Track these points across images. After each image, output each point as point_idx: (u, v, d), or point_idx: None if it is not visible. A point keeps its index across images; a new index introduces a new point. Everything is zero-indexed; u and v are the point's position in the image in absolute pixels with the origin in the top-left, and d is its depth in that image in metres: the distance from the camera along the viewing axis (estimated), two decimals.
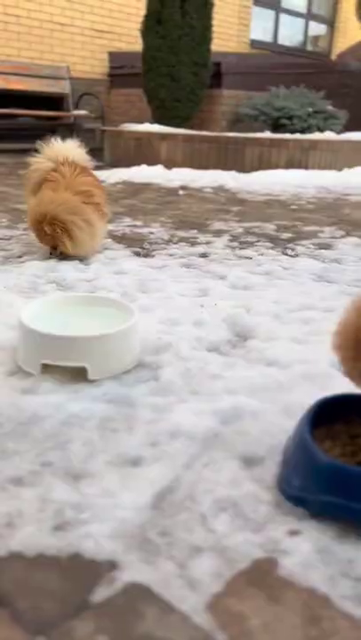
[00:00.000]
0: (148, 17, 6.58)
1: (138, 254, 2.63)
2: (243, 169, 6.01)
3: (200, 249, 2.79)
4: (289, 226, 3.50)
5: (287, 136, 6.41)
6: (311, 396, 1.17)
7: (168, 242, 2.92)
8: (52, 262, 2.40)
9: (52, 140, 2.61)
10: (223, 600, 0.76)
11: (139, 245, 2.81)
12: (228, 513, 0.91)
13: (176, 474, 0.99)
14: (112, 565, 0.81)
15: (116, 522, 0.88)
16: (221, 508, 0.92)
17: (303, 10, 10.63)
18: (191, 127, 7.07)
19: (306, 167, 6.07)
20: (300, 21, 10.72)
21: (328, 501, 0.89)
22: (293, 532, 0.88)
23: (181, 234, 3.13)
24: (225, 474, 1.00)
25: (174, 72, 6.59)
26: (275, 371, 1.43)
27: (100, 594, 0.77)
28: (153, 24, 6.51)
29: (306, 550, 0.84)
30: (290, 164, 6.07)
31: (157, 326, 1.65)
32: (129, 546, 0.84)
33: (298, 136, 6.44)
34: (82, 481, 0.98)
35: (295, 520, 0.90)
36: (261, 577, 0.80)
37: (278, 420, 1.17)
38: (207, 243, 2.94)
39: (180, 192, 4.83)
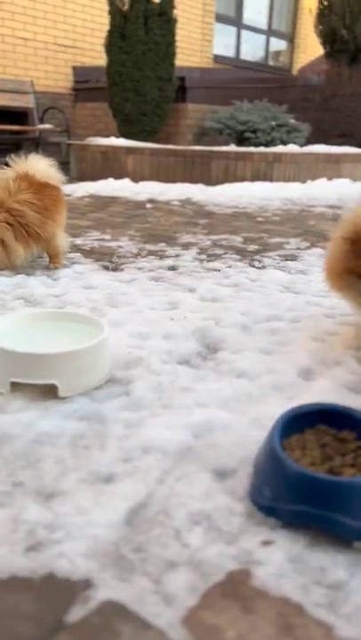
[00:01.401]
0: (111, 32, 6.63)
1: (107, 268, 2.63)
2: (209, 182, 6.09)
3: (169, 262, 2.81)
4: (256, 238, 3.55)
5: (252, 149, 6.52)
6: (281, 407, 1.19)
7: (137, 255, 2.93)
8: (20, 278, 2.39)
9: (26, 155, 2.59)
10: (198, 614, 0.76)
11: (107, 259, 2.81)
12: (202, 526, 0.92)
13: (149, 489, 1.00)
14: (87, 584, 0.81)
15: (90, 540, 0.88)
16: (195, 522, 0.93)
17: (264, 26, 10.88)
18: (157, 141, 7.13)
19: (271, 180, 6.18)
20: (262, 37, 10.96)
21: (299, 510, 0.90)
22: (266, 543, 0.89)
23: (150, 247, 3.14)
24: (198, 487, 1.01)
25: (139, 87, 6.65)
26: (244, 382, 1.45)
27: (75, 614, 0.76)
28: (117, 39, 6.57)
29: (279, 560, 0.86)
30: (255, 177, 6.17)
31: (128, 340, 1.66)
32: (103, 564, 0.84)
33: (262, 149, 6.56)
34: (54, 500, 0.97)
35: (268, 530, 0.92)
36: (236, 588, 0.81)
37: (249, 431, 1.19)
38: (176, 256, 2.96)
39: (148, 205, 4.86)
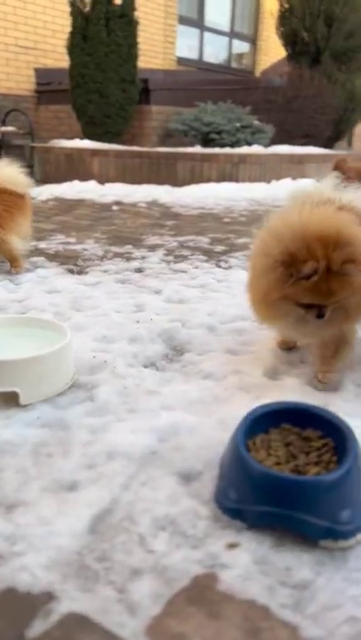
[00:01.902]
0: (73, 34, 6.57)
1: (71, 272, 2.60)
2: (175, 183, 6.09)
3: (135, 264, 2.79)
4: (222, 238, 3.56)
5: (217, 150, 6.55)
6: (246, 407, 1.18)
7: (102, 258, 2.90)
8: None
9: None
10: (163, 622, 0.75)
11: (72, 262, 2.78)
12: (167, 531, 0.91)
13: (113, 495, 0.98)
14: (49, 597, 0.79)
15: (52, 551, 0.85)
16: (160, 527, 0.91)
17: (226, 28, 10.95)
18: (122, 142, 7.09)
19: (237, 180, 6.22)
20: (224, 39, 11.02)
21: (264, 511, 0.90)
22: (232, 545, 0.88)
23: (116, 249, 3.12)
24: (163, 491, 1.00)
25: (102, 88, 6.60)
26: (210, 383, 1.44)
27: (37, 628, 0.74)
28: (79, 41, 6.51)
29: (244, 562, 0.85)
30: (221, 178, 6.20)
31: (92, 344, 1.64)
32: (66, 575, 0.82)
33: (228, 150, 6.59)
34: (15, 510, 0.94)
35: (234, 533, 0.91)
36: (201, 594, 0.80)
37: (215, 433, 1.18)
38: (142, 257, 2.94)
39: (114, 207, 4.82)
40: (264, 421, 1.09)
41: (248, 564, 0.85)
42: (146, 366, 1.55)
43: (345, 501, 0.91)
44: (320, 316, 1.30)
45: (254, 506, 0.91)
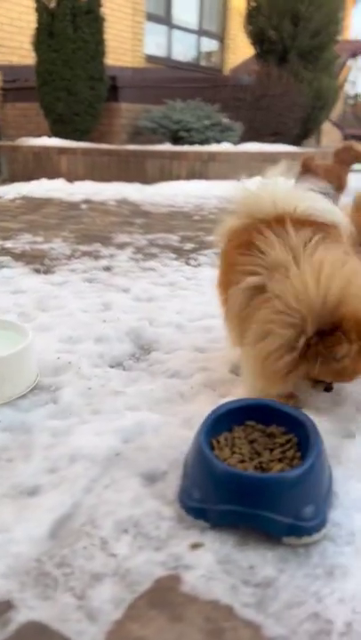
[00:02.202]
0: (39, 30, 6.47)
1: (38, 271, 2.55)
2: (145, 181, 6.05)
3: (103, 262, 2.76)
4: (192, 236, 3.55)
5: (187, 148, 6.54)
6: (212, 405, 1.17)
7: (70, 257, 2.86)
8: None
9: None
10: (124, 627, 0.74)
11: (39, 262, 2.73)
12: (130, 534, 0.89)
13: (75, 499, 0.96)
14: (7, 606, 0.76)
15: (11, 558, 0.83)
16: (123, 530, 0.90)
17: (194, 26, 10.95)
18: (91, 140, 7.02)
19: (207, 178, 6.22)
20: (193, 37, 11.02)
21: (227, 510, 0.89)
22: (195, 546, 0.87)
23: (84, 248, 3.08)
24: (127, 493, 0.98)
25: (70, 86, 6.52)
26: (177, 382, 1.43)
27: None
28: (45, 37, 6.41)
29: (208, 562, 0.84)
30: (191, 176, 6.19)
31: (57, 345, 1.61)
32: (24, 583, 0.80)
33: (197, 148, 6.59)
34: None
35: (197, 533, 0.90)
36: (164, 596, 0.79)
37: (180, 432, 1.17)
38: (111, 256, 2.91)
39: (83, 206, 4.77)
40: (228, 419, 1.08)
41: (212, 564, 0.84)
42: (112, 366, 1.53)
43: (308, 497, 0.91)
44: (329, 389, 1.22)
45: (218, 505, 0.90)
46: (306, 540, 0.88)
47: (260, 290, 1.15)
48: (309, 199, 1.31)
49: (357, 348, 1.07)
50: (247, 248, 1.21)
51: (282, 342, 1.08)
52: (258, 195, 1.31)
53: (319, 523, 0.90)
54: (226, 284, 1.30)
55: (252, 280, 1.17)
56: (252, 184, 1.36)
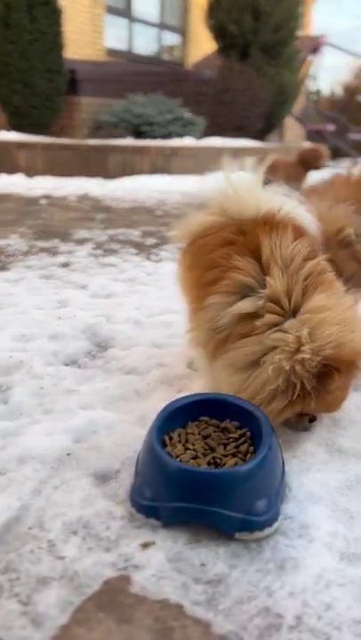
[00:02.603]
0: None
1: None
2: (107, 176, 6.00)
3: (61, 259, 2.71)
4: (154, 232, 3.53)
5: (149, 142, 6.50)
6: (168, 401, 1.16)
7: (27, 253, 2.80)
8: None
9: None
10: (70, 631, 0.72)
11: None
12: (79, 535, 0.87)
13: (23, 502, 0.93)
14: None
15: None
16: (72, 532, 0.88)
17: (155, 19, 10.87)
18: (51, 134, 6.91)
19: (169, 173, 6.20)
20: (154, 31, 10.95)
21: (179, 507, 0.88)
22: (146, 545, 0.86)
23: (42, 244, 3.02)
24: (77, 494, 0.96)
25: (27, 78, 6.40)
26: (133, 378, 1.41)
27: None
28: (1, 29, 6.27)
29: (158, 561, 0.83)
30: (153, 170, 6.16)
31: (9, 344, 1.57)
32: None
33: (159, 142, 6.56)
34: None
35: (149, 531, 0.89)
36: (112, 598, 0.77)
37: (134, 429, 1.15)
38: (69, 252, 2.87)
39: (43, 201, 4.69)
40: (182, 415, 1.07)
41: (162, 563, 0.83)
42: (66, 364, 1.50)
43: (260, 491, 0.91)
44: (314, 420, 1.18)
45: (169, 502, 0.89)
46: (258, 534, 0.88)
47: (250, 315, 1.09)
48: (289, 202, 1.28)
49: (345, 378, 1.09)
50: (229, 249, 1.14)
51: (274, 387, 1.04)
52: (240, 194, 1.25)
53: (271, 517, 0.90)
54: (196, 282, 1.21)
55: (243, 307, 1.09)
56: (226, 180, 1.27)
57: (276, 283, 1.08)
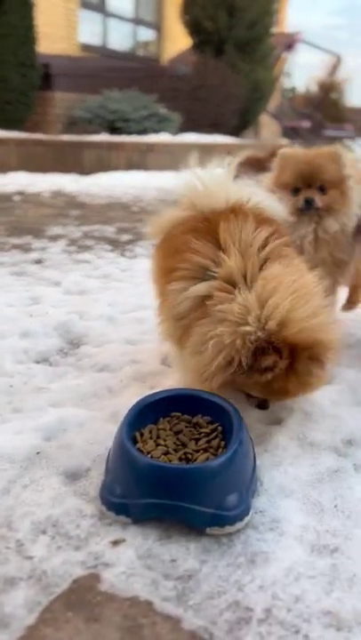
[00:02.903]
0: None
1: None
2: (82, 172, 5.94)
3: (34, 255, 2.68)
4: (129, 228, 3.51)
5: (125, 138, 6.46)
6: (140, 397, 1.15)
7: None
8: None
9: None
10: (38, 632, 0.71)
11: None
12: (48, 534, 0.86)
13: None
14: None
15: None
16: (41, 531, 0.87)
17: (130, 15, 10.79)
18: (25, 130, 6.82)
19: (145, 169, 6.17)
20: (129, 26, 10.86)
21: (149, 504, 0.88)
22: (116, 542, 0.85)
23: (14, 241, 2.98)
24: (46, 493, 0.95)
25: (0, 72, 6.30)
26: (105, 375, 1.40)
27: None
28: None
29: (128, 558, 0.82)
30: (129, 166, 6.12)
31: None
32: None
33: (135, 138, 6.52)
34: None
35: (119, 529, 0.88)
36: (81, 596, 0.76)
37: (106, 427, 1.14)
38: (42, 249, 2.83)
39: (16, 197, 4.62)
40: (154, 411, 1.06)
41: (132, 560, 0.82)
42: (37, 362, 1.48)
43: (231, 486, 0.91)
44: (262, 407, 1.15)
45: (139, 499, 0.88)
46: (229, 529, 0.88)
47: (206, 298, 1.07)
48: (259, 194, 1.29)
49: (286, 364, 1.01)
50: (195, 236, 1.13)
51: (216, 362, 1.02)
52: (209, 189, 1.25)
53: (242, 511, 0.90)
54: (162, 273, 1.21)
55: (198, 289, 1.09)
56: (196, 176, 1.27)
57: (231, 262, 1.07)
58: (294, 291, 1.03)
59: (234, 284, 1.07)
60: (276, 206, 1.34)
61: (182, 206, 1.30)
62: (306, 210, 1.52)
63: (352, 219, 1.56)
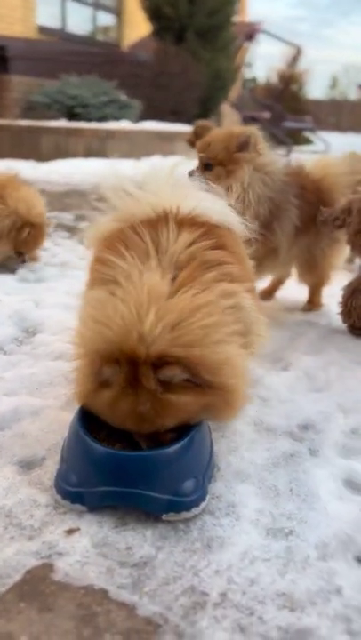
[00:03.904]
0: None
1: None
2: (40, 158, 5.81)
3: None
4: (88, 215, 3.45)
5: (84, 125, 6.34)
6: None
7: None
8: None
9: None
10: None
11: None
12: (1, 525, 0.84)
13: None
14: None
15: None
16: None
17: None
18: None
19: (105, 156, 6.08)
20: (88, 10, 10.64)
21: (105, 491, 0.86)
22: (71, 531, 0.84)
23: None
24: (0, 483, 0.92)
25: None
26: (61, 364, 1.37)
27: None
28: None
29: (83, 547, 0.81)
30: (88, 153, 6.02)
31: None
32: None
33: (95, 125, 6.41)
34: None
35: (74, 518, 0.87)
36: (34, 587, 0.75)
37: (62, 415, 1.12)
38: None
39: None
40: None
41: (87, 549, 0.81)
42: None
43: (188, 472, 0.90)
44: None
45: (95, 487, 0.87)
46: (185, 515, 0.88)
47: None
48: (197, 198, 1.17)
49: (124, 378, 0.86)
50: (115, 244, 1.03)
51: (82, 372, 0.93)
52: (135, 195, 1.15)
53: (199, 497, 0.90)
54: (89, 283, 1.13)
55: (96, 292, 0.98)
56: (124, 181, 1.17)
57: (123, 263, 0.97)
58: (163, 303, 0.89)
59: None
60: (224, 211, 1.20)
61: (114, 215, 1.18)
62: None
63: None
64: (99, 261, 1.05)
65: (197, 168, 1.67)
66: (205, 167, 1.64)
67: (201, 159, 1.67)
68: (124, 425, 0.90)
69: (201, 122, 3.46)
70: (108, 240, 1.10)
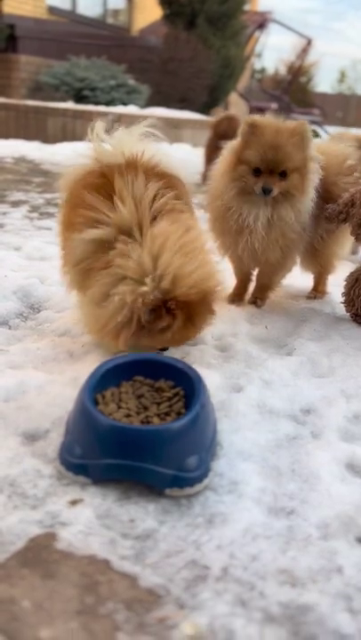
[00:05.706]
0: None
1: None
2: (46, 139, 5.77)
3: None
4: None
5: (91, 108, 6.29)
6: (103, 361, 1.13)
7: None
8: None
9: None
10: None
11: None
12: (5, 493, 0.84)
13: None
14: None
15: None
16: None
17: None
18: None
19: None
20: None
21: (109, 464, 0.87)
22: (74, 502, 0.84)
23: None
24: (3, 453, 0.92)
25: None
26: (66, 340, 1.37)
27: None
28: None
29: (87, 518, 0.81)
30: None
31: None
32: None
33: (102, 108, 6.36)
34: None
35: (78, 489, 0.87)
36: (37, 554, 0.75)
37: (66, 390, 1.12)
38: (3, 213, 2.74)
39: None
40: (116, 375, 1.04)
41: (91, 520, 0.81)
42: None
43: (192, 448, 0.90)
44: (164, 350, 1.25)
45: (100, 459, 0.87)
46: (188, 490, 0.88)
47: (102, 244, 1.13)
48: (155, 149, 1.32)
49: (181, 322, 1.11)
50: (94, 189, 1.18)
51: (119, 319, 1.10)
52: (110, 143, 1.31)
53: (202, 473, 0.90)
54: (64, 226, 1.27)
55: (95, 233, 1.14)
56: (98, 133, 1.31)
57: (124, 211, 1.13)
58: (180, 247, 1.11)
59: (128, 233, 1.13)
60: (172, 161, 1.36)
61: (88, 159, 1.32)
62: (262, 196, 1.47)
63: (307, 205, 1.54)
64: (80, 205, 1.18)
65: (269, 180, 1.44)
66: (281, 175, 1.44)
67: (268, 165, 1.44)
68: (169, 345, 1.19)
69: (223, 112, 3.37)
70: (82, 184, 1.24)
